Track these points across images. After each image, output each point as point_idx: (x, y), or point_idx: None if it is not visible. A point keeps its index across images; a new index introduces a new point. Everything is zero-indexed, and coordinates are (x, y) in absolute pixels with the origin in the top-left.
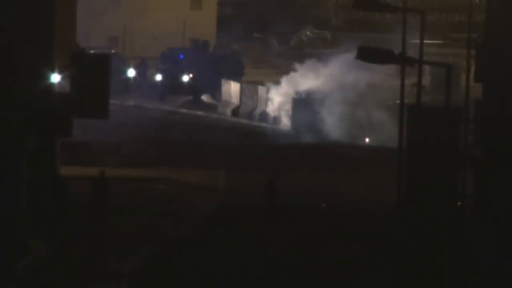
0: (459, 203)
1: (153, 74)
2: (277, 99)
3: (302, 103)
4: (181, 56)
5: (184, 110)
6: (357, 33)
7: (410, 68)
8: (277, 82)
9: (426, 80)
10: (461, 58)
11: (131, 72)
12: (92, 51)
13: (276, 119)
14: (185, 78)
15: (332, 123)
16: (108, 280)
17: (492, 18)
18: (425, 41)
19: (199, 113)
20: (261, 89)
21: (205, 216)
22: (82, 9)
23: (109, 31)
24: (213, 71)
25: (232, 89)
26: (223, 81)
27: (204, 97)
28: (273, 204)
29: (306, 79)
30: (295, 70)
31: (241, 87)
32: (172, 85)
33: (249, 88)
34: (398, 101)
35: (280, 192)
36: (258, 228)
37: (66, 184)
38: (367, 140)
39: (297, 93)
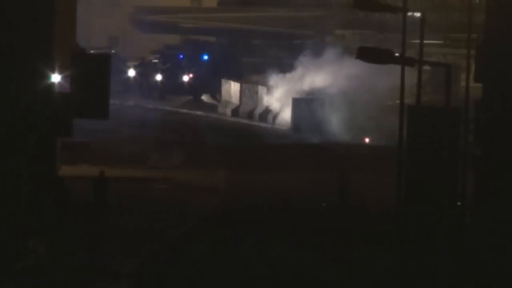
0: (459, 203)
1: (153, 74)
2: (277, 98)
3: (303, 103)
4: (181, 56)
5: (184, 110)
6: (357, 32)
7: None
8: (278, 81)
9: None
10: (461, 58)
11: (131, 72)
12: (92, 51)
13: (276, 119)
14: (185, 78)
15: (332, 123)
16: (108, 280)
17: (492, 18)
18: (425, 41)
19: (199, 113)
20: (261, 89)
21: (205, 216)
22: (82, 9)
23: (109, 31)
24: (213, 71)
25: (232, 89)
26: (223, 81)
27: (204, 97)
28: (345, 203)
29: (307, 78)
30: (296, 69)
31: (241, 87)
32: (172, 85)
33: (249, 88)
34: (398, 101)
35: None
36: (263, 228)
37: (66, 184)
38: (367, 140)
39: (298, 92)
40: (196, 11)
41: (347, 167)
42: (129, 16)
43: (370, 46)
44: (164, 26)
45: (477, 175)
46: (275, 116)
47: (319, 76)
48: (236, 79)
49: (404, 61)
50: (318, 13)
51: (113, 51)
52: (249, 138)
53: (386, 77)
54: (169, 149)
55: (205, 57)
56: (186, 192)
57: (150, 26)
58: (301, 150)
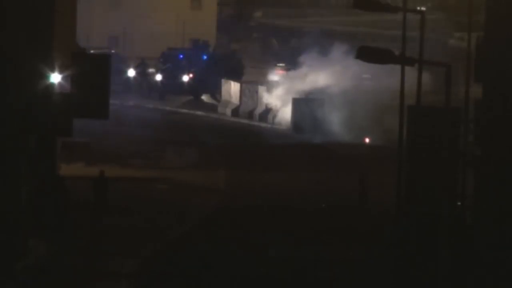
0: (459, 203)
1: (153, 74)
2: (277, 98)
3: (303, 103)
4: (181, 56)
5: (184, 110)
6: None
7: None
8: (278, 81)
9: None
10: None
11: (131, 72)
12: (92, 51)
13: (276, 118)
14: (185, 78)
15: (332, 123)
16: (108, 280)
17: (492, 18)
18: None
19: (199, 113)
20: (261, 89)
21: (205, 216)
22: (82, 9)
23: (109, 31)
24: (213, 71)
25: (232, 89)
26: (223, 81)
27: (204, 97)
28: (364, 204)
29: (307, 78)
30: (296, 69)
31: (241, 87)
32: (172, 85)
33: (249, 88)
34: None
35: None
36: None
37: (66, 184)
38: (367, 140)
39: (298, 92)
40: (318, 15)
41: (365, 169)
42: (253, 19)
43: (370, 46)
44: (286, 30)
45: (477, 175)
46: (275, 116)
47: (319, 75)
48: (236, 79)
49: (404, 61)
50: (436, 15)
51: (113, 51)
52: (249, 138)
53: (391, 78)
54: (177, 150)
55: (205, 57)
56: (186, 192)
57: (275, 30)
58: (301, 150)
